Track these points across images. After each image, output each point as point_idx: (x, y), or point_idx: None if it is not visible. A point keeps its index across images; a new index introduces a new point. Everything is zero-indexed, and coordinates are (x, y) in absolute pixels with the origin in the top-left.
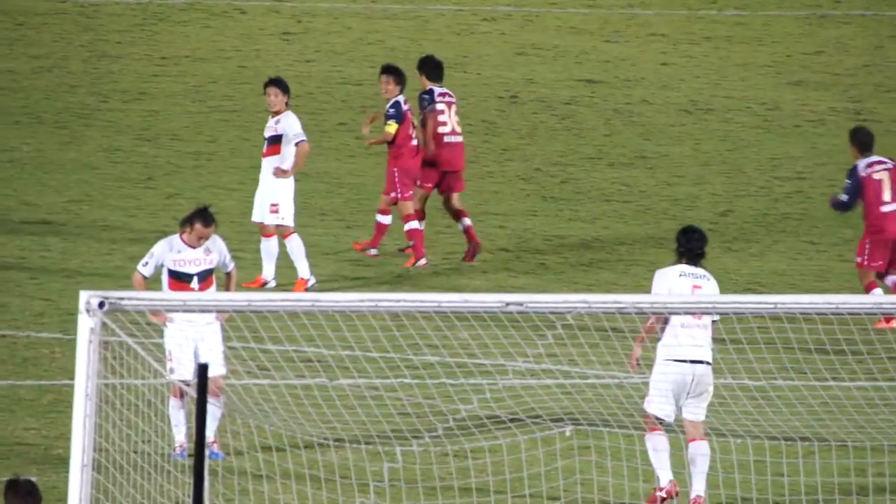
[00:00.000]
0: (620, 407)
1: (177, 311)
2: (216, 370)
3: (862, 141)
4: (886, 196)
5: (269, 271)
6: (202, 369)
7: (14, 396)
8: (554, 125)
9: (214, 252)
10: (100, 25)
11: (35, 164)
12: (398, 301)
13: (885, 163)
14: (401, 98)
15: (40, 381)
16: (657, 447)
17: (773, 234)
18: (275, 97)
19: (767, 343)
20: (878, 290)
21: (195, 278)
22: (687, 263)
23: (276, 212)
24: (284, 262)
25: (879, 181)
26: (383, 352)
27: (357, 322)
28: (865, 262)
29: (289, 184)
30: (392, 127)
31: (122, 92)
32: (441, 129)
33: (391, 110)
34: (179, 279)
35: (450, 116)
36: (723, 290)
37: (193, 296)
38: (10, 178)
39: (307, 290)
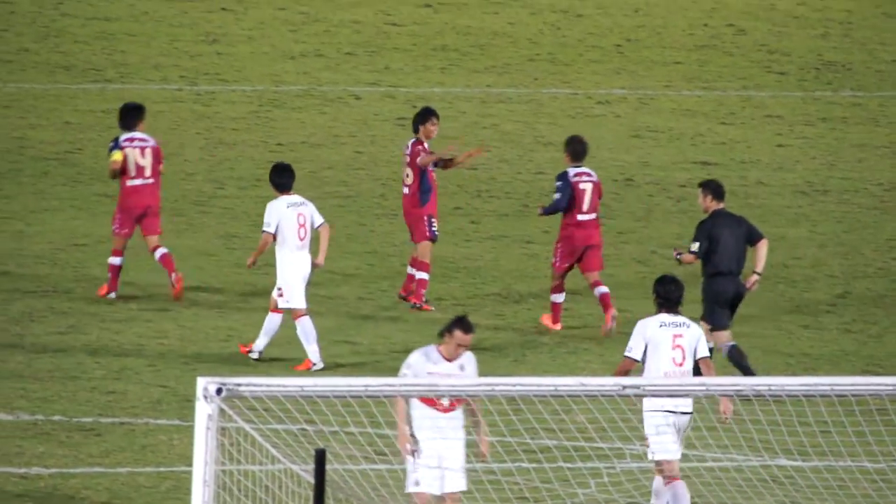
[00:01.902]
0: (740, 490)
1: (294, 396)
2: (456, 485)
3: (575, 150)
4: (585, 206)
5: (312, 353)
6: (320, 456)
7: (133, 483)
8: (669, 207)
9: (469, 367)
10: (215, 113)
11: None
12: (514, 385)
13: (591, 175)
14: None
15: (159, 467)
16: (679, 495)
17: (891, 315)
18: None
19: (887, 425)
20: (561, 295)
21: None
22: (667, 313)
23: (282, 296)
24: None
25: (583, 191)
26: (500, 436)
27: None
28: (557, 264)
29: (292, 266)
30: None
31: (237, 179)
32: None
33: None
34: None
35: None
36: (840, 372)
37: (310, 381)
38: (126, 266)
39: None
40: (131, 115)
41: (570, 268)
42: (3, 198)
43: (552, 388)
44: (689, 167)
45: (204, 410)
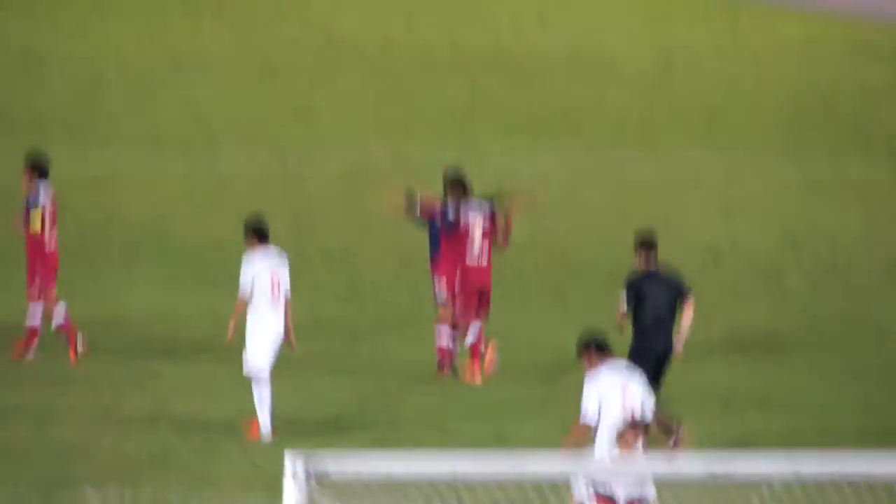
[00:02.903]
0: None
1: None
2: None
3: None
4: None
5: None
6: None
7: None
8: (756, 284)
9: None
10: (303, 187)
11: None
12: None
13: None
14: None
15: None
16: None
17: None
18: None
19: None
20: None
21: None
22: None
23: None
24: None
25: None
26: None
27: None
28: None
29: (251, 331)
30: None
31: (326, 251)
32: None
33: None
34: (605, 498)
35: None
36: None
37: (400, 463)
38: (213, 346)
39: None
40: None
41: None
42: (92, 272)
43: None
44: (777, 243)
45: (293, 489)
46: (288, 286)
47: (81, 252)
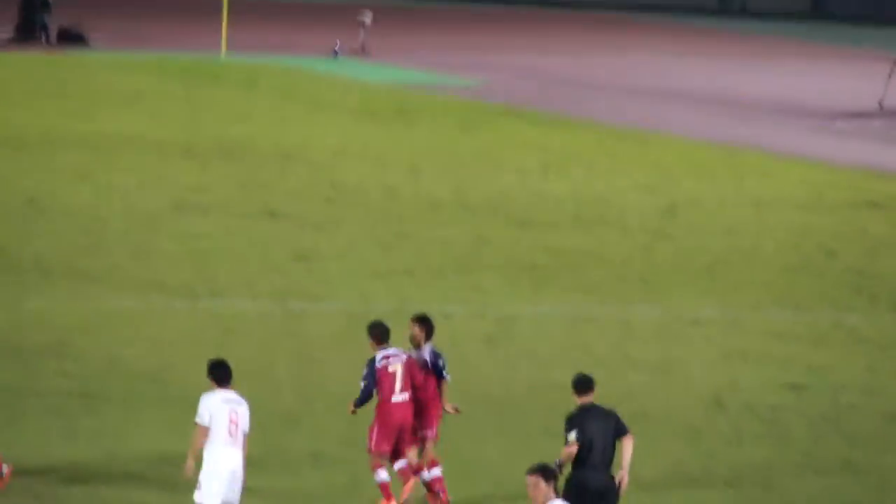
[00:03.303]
0: None
1: None
2: None
3: (378, 334)
4: (398, 386)
5: None
6: None
7: None
8: (758, 431)
9: None
10: (305, 331)
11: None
12: None
13: (399, 356)
14: None
15: None
16: None
17: None
18: None
19: None
20: (382, 471)
21: None
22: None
23: (199, 489)
24: None
25: (393, 373)
26: None
27: None
28: (373, 447)
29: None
30: None
31: (327, 396)
32: None
33: None
34: None
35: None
36: None
37: None
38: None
39: None
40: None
41: (389, 450)
42: (94, 415)
43: None
44: (778, 390)
45: None
46: (246, 426)
47: (83, 394)
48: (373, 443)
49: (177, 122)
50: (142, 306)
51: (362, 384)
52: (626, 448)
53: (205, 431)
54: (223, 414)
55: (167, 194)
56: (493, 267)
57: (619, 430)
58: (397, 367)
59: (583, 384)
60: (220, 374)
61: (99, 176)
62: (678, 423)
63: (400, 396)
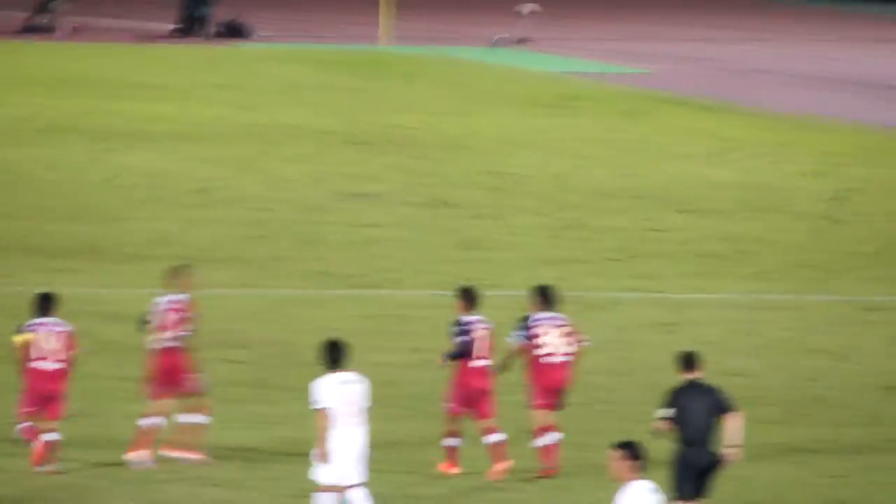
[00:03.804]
0: None
1: None
2: None
3: (468, 299)
4: (480, 352)
5: None
6: None
7: None
8: None
9: None
10: None
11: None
12: None
13: (484, 323)
14: None
15: None
16: None
17: None
18: None
19: None
20: (453, 437)
21: None
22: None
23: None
24: None
25: (477, 339)
26: None
27: None
28: (450, 410)
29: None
30: None
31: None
32: None
33: None
34: None
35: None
36: None
37: None
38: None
39: None
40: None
41: (466, 412)
42: (270, 403)
43: None
44: None
45: None
46: (366, 404)
47: (256, 382)
48: (451, 405)
49: (340, 112)
50: (310, 295)
51: (458, 339)
52: (730, 425)
53: (326, 415)
54: (342, 395)
55: (333, 184)
56: (664, 254)
57: (721, 407)
58: (482, 334)
59: (686, 361)
60: (335, 356)
61: (266, 166)
62: (857, 408)
63: (479, 362)
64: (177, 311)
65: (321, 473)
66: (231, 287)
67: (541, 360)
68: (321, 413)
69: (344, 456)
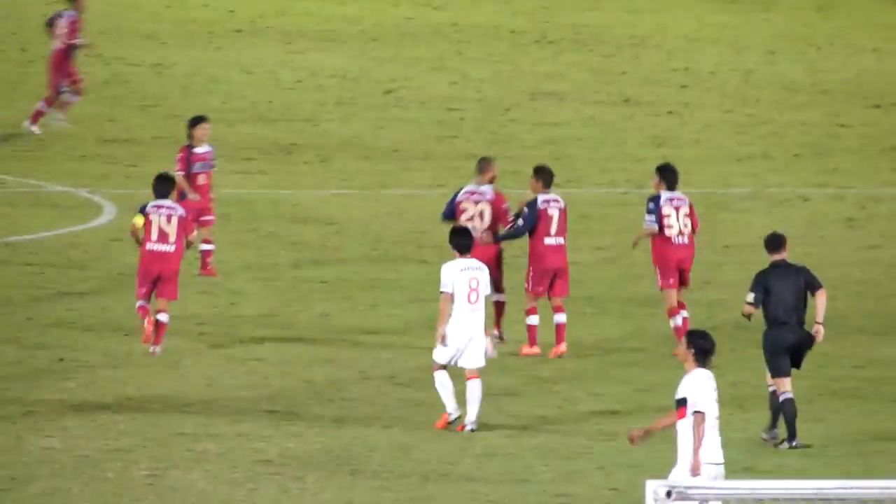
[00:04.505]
0: None
1: (744, 498)
2: None
3: (543, 177)
4: (553, 229)
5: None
6: None
7: None
8: None
9: None
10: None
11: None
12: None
13: (559, 201)
14: None
15: None
16: None
17: None
18: None
19: None
20: (533, 316)
21: None
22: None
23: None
24: None
25: (551, 216)
26: None
27: None
28: (530, 288)
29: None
30: None
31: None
32: None
33: None
34: None
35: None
36: None
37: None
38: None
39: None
40: (163, 184)
41: (543, 291)
42: None
43: None
44: None
45: None
46: (487, 290)
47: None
48: (529, 284)
49: (529, 11)
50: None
51: (520, 222)
52: (819, 302)
53: (449, 298)
54: (463, 281)
55: (522, 83)
56: (851, 150)
57: (810, 285)
58: (555, 213)
59: (773, 242)
60: (462, 243)
61: (454, 65)
62: None
63: (554, 240)
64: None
65: (437, 353)
66: (422, 188)
67: (665, 240)
68: (443, 296)
69: (455, 339)
